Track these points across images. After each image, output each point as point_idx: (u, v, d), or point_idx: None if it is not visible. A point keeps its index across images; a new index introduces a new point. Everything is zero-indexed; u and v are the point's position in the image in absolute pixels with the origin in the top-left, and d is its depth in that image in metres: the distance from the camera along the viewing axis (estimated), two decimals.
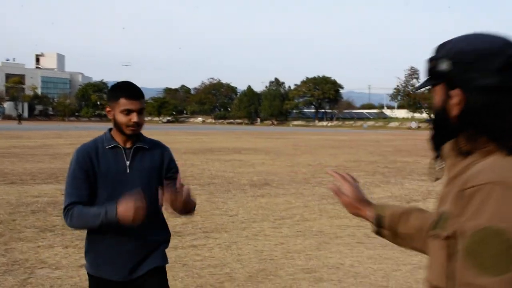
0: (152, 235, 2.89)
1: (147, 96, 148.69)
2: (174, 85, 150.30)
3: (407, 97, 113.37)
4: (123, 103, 2.73)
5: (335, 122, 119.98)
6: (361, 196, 1.87)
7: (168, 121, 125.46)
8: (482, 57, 1.29)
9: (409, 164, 21.32)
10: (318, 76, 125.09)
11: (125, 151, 2.80)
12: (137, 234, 2.77)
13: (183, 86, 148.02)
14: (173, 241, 7.56)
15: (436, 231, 1.30)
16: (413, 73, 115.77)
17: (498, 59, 1.27)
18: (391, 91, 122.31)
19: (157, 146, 2.98)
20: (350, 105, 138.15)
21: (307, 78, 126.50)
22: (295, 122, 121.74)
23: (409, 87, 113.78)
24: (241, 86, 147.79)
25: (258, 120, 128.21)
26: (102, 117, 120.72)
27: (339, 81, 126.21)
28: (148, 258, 2.87)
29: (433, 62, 1.39)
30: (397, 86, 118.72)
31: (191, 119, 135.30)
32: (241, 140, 37.90)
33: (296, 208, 10.51)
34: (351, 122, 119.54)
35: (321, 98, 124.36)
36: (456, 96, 1.32)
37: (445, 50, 1.37)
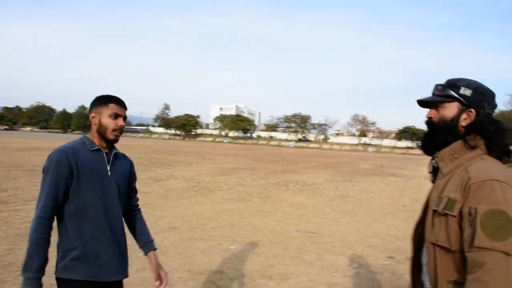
0: (124, 236, 1.85)
1: None
2: (11, 105, 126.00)
3: (163, 120, 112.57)
4: (113, 107, 1.76)
5: None
6: None
7: (6, 129, 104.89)
8: (490, 97, 1.28)
9: (161, 159, 21.17)
10: None
11: (106, 155, 1.77)
12: (121, 233, 1.81)
13: (17, 106, 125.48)
14: (0, 207, 6.50)
15: (447, 211, 1.18)
16: (166, 107, 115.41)
17: (495, 103, 1.30)
18: (154, 116, 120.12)
19: (126, 157, 1.95)
20: (129, 124, 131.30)
21: None
22: None
23: (165, 115, 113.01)
24: (59, 108, 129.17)
25: (70, 130, 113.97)
26: None
27: None
28: (125, 261, 1.82)
29: (454, 87, 1.28)
30: (157, 114, 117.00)
31: (22, 129, 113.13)
32: (57, 142, 33.23)
33: None
34: (130, 133, 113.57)
35: None
36: (470, 113, 1.26)
37: (466, 83, 1.29)
